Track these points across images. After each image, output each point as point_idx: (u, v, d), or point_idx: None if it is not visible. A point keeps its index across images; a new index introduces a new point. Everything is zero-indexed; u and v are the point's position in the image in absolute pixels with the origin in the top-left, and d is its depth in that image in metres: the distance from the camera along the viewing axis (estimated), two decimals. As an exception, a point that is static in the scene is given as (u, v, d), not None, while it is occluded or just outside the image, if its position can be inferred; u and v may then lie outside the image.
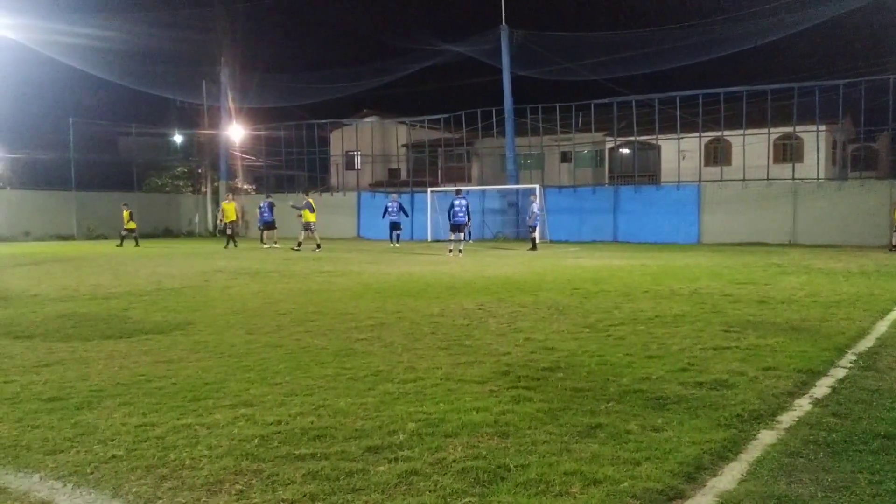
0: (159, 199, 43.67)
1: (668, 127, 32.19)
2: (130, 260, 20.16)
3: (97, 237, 37.77)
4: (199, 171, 47.69)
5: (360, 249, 26.55)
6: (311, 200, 26.35)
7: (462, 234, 22.87)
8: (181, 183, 47.93)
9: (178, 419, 4.31)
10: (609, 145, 42.20)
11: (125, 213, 29.82)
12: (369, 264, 18.04)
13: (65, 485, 3.34)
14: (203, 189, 46.32)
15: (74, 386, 5.16)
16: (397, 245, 27.99)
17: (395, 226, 28.66)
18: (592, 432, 4.03)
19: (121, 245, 28.69)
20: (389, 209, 28.78)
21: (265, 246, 28.24)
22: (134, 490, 3.26)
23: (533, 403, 4.63)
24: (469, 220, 24.04)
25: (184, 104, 46.09)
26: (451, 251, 22.09)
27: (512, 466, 3.50)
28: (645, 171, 38.92)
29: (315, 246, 25.45)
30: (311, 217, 25.77)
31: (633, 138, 34.53)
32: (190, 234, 43.07)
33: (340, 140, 46.53)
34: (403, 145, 45.17)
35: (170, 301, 10.26)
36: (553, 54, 33.32)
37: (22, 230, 35.58)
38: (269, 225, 29.85)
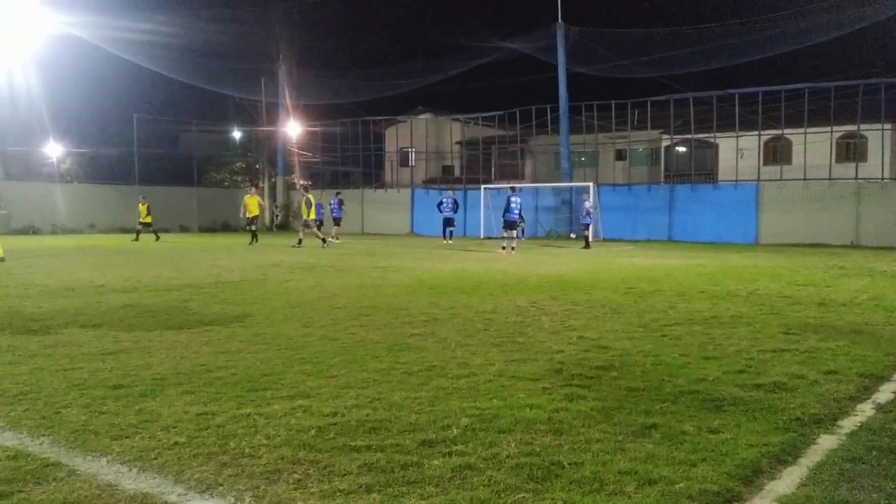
0: (218, 193, 44.48)
1: (726, 125, 31.59)
2: (189, 253, 20.61)
3: (159, 230, 38.66)
4: (257, 166, 48.46)
5: (413, 245, 26.68)
6: (310, 197, 26.50)
7: (515, 232, 22.81)
8: (240, 178, 48.78)
9: (237, 408, 4.40)
10: (665, 143, 41.61)
11: (142, 207, 29.91)
12: (423, 260, 18.13)
13: (130, 469, 3.43)
14: (261, 185, 47.04)
15: (138, 374, 5.30)
16: (450, 242, 28.06)
17: (448, 222, 28.73)
18: (647, 432, 3.99)
19: (136, 239, 28.71)
20: (444, 203, 28.86)
21: (335, 241, 28.48)
22: (196, 476, 3.34)
23: (587, 402, 4.60)
24: (522, 218, 23.94)
25: (243, 101, 46.84)
26: (503, 248, 22.06)
27: (566, 464, 3.49)
28: (702, 169, 38.26)
29: (322, 241, 25.39)
30: (309, 214, 26.08)
31: (689, 136, 33.97)
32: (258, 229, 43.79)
33: (395, 137, 46.85)
34: (457, 142, 45.19)
35: (228, 294, 10.47)
36: (609, 51, 33.01)
37: (87, 223, 36.63)
38: (336, 221, 30.26)
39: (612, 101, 33.35)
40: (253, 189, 28.31)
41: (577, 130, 35.49)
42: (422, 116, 46.98)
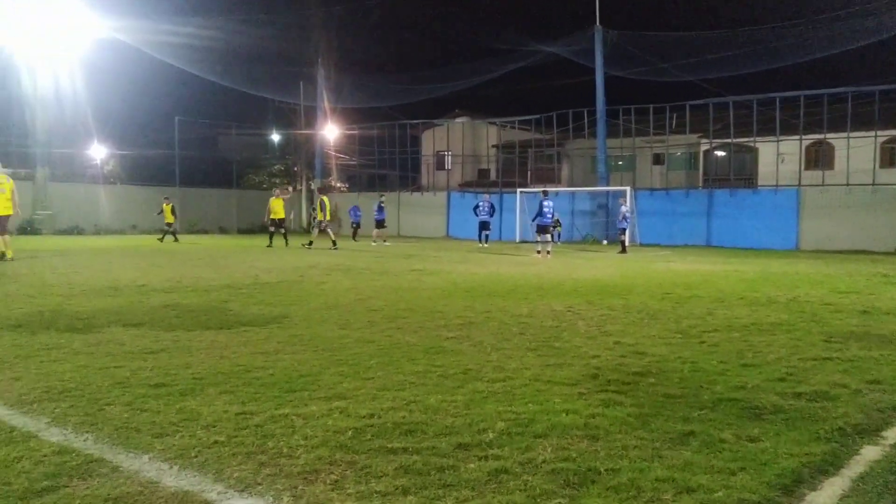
0: (257, 195, 44.96)
1: (766, 129, 31.17)
2: (228, 254, 20.87)
3: (198, 231, 39.23)
4: (295, 169, 48.92)
5: (449, 248, 26.72)
6: (324, 199, 26.60)
7: (549, 236, 22.74)
8: (278, 180, 49.26)
9: (275, 409, 4.44)
10: (704, 147, 41.15)
11: (166, 207, 30.14)
12: (458, 263, 18.14)
13: (171, 466, 3.49)
14: (298, 187, 47.45)
15: (179, 373, 5.38)
16: (486, 245, 28.05)
17: (484, 225, 28.75)
18: (685, 439, 3.95)
19: (162, 240, 28.95)
20: (481, 207, 28.88)
21: (374, 244, 28.66)
22: (235, 475, 3.38)
23: (623, 408, 4.57)
24: (558, 222, 23.80)
25: (282, 104, 47.34)
26: (538, 252, 21.99)
27: (602, 470, 3.46)
28: (741, 174, 37.76)
29: (332, 243, 25.44)
30: (321, 215, 26.20)
31: (729, 140, 33.56)
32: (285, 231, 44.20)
33: (432, 140, 47.00)
34: (493, 146, 45.18)
35: (266, 295, 10.58)
36: (647, 54, 32.74)
37: (129, 223, 37.26)
38: (379, 223, 30.39)
39: (650, 105, 33.12)
40: (278, 191, 28.04)
41: (614, 134, 35.27)
42: (458, 120, 47.04)
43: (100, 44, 34.25)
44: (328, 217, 26.24)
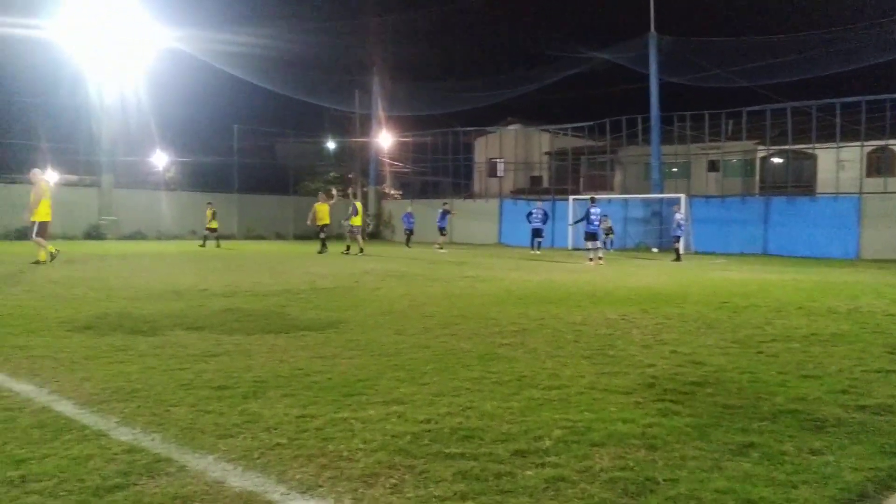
0: (312, 202, 45.53)
1: (825, 135, 30.43)
2: (285, 260, 21.19)
3: (256, 237, 39.90)
4: (350, 176, 49.40)
5: (501, 256, 26.68)
6: (357, 204, 26.57)
7: (598, 242, 22.60)
8: (333, 187, 49.81)
9: (334, 412, 4.50)
10: (761, 154, 40.33)
11: (208, 213, 30.35)
12: (511, 270, 18.12)
13: (235, 467, 3.56)
14: (335, 192, 47.94)
15: (240, 376, 5.49)
16: (538, 252, 27.95)
17: (537, 232, 28.67)
18: (745, 451, 3.88)
19: (203, 245, 29.02)
20: (535, 214, 28.82)
21: (437, 249, 28.78)
22: (297, 477, 3.44)
23: (681, 418, 4.51)
24: (611, 229, 23.52)
25: (337, 112, 47.90)
26: (591, 260, 21.83)
27: (661, 480, 3.43)
28: (799, 181, 36.92)
29: (359, 250, 25.47)
30: (356, 221, 26.02)
31: (786, 147, 32.85)
32: (341, 237, 44.66)
33: (484, 147, 47.02)
34: (546, 153, 45.00)
35: (322, 300, 10.71)
36: (703, 60, 32.30)
37: (189, 229, 38.04)
38: (441, 231, 30.46)
39: (706, 111, 32.62)
40: (323, 196, 27.96)
41: (668, 141, 34.84)
42: (511, 127, 47.02)
43: (162, 54, 35.18)
44: (358, 222, 26.19)
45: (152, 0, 33.15)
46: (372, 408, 4.63)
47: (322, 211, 26.55)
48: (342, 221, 28.56)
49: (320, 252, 25.30)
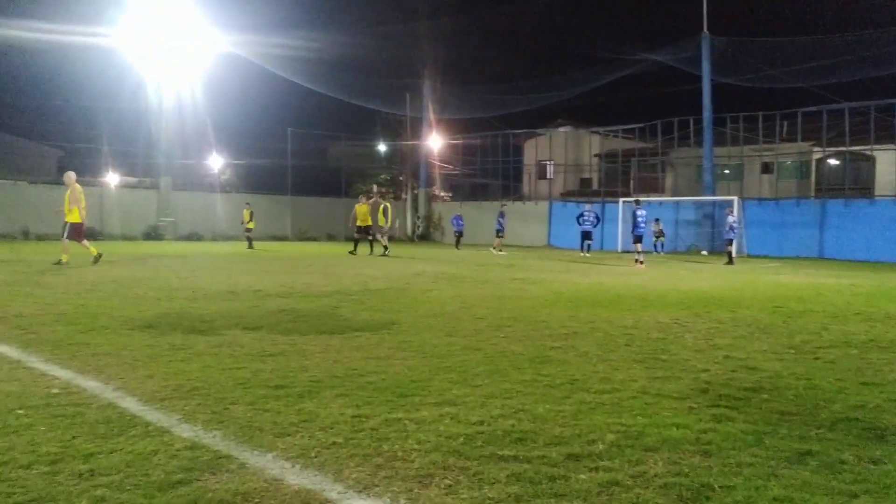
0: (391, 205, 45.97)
1: (885, 136, 29.59)
2: (337, 261, 21.41)
3: (308, 238, 40.40)
4: (401, 178, 49.69)
5: (550, 258, 26.56)
6: (387, 205, 26.41)
7: (640, 245, 22.44)
8: (384, 189, 50.13)
9: (388, 413, 4.55)
10: (816, 156, 39.39)
11: (245, 213, 30.33)
12: (560, 273, 18.03)
13: (293, 465, 3.62)
14: (404, 196, 48.18)
15: (296, 376, 5.58)
16: (587, 255, 27.75)
17: (587, 235, 28.49)
18: (802, 459, 3.81)
19: (251, 247, 28.87)
20: (585, 216, 28.63)
21: (495, 252, 28.71)
22: (353, 476, 3.48)
23: (736, 424, 4.45)
24: (662, 232, 23.18)
25: (388, 115, 48.23)
26: (641, 262, 21.64)
27: (716, 486, 3.39)
28: (856, 183, 35.95)
29: (383, 249, 25.35)
30: (383, 221, 25.92)
31: (844, 149, 32.02)
32: (391, 238, 44.91)
33: (534, 149, 46.84)
34: (596, 155, 44.63)
35: (375, 301, 10.81)
36: (757, 61, 31.69)
37: (244, 230, 38.70)
38: (498, 233, 30.36)
39: (760, 113, 32.00)
40: (363, 198, 27.58)
41: (721, 142, 34.25)
42: (561, 129, 46.76)
43: (219, 58, 35.88)
44: (389, 223, 26.16)
45: (209, 6, 33.85)
46: (425, 409, 4.67)
47: (362, 212, 26.36)
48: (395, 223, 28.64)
49: (351, 252, 25.24)
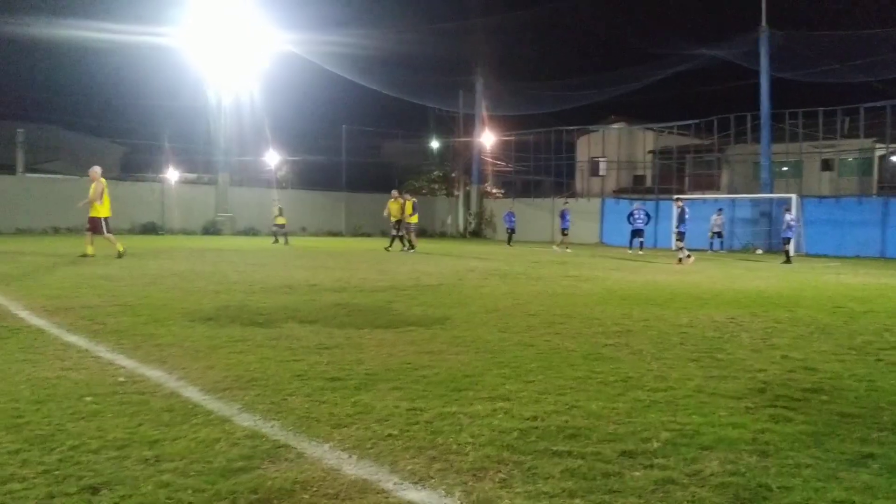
0: (417, 201, 46.03)
1: (952, 133, 28.55)
2: (391, 257, 21.57)
3: (362, 234, 40.77)
4: (453, 175, 49.74)
5: (602, 255, 26.33)
6: (414, 201, 25.97)
7: (683, 243, 22.19)
8: (436, 186, 50.30)
9: (442, 406, 4.58)
10: (879, 153, 38.21)
11: (275, 209, 29.94)
12: (613, 270, 17.87)
13: (350, 456, 3.68)
14: (456, 192, 48.24)
15: (352, 368, 5.65)
16: (640, 252, 27.43)
17: (638, 233, 28.19)
18: (863, 461, 3.72)
19: (286, 242, 28.38)
20: (635, 215, 28.34)
21: (557, 250, 28.43)
22: (409, 468, 3.53)
23: (794, 425, 4.36)
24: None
25: (441, 112, 48.34)
26: (689, 257, 21.33)
27: (774, 487, 3.33)
28: (922, 181, 34.78)
29: (410, 246, 25.08)
30: (413, 219, 25.49)
31: (908, 145, 31.00)
32: (443, 235, 45.06)
33: (587, 146, 46.39)
34: (650, 152, 44.05)
35: (428, 297, 10.86)
36: (817, 55, 30.85)
37: (300, 226, 39.22)
38: (564, 231, 29.96)
39: (820, 108, 31.18)
40: (395, 192, 26.77)
41: (779, 139, 33.47)
42: (614, 126, 46.27)
43: (275, 57, 36.42)
44: (414, 219, 25.60)
45: (266, 4, 34.36)
46: (479, 403, 4.69)
47: (395, 208, 25.96)
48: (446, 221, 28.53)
49: (404, 248, 25.05)
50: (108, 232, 17.25)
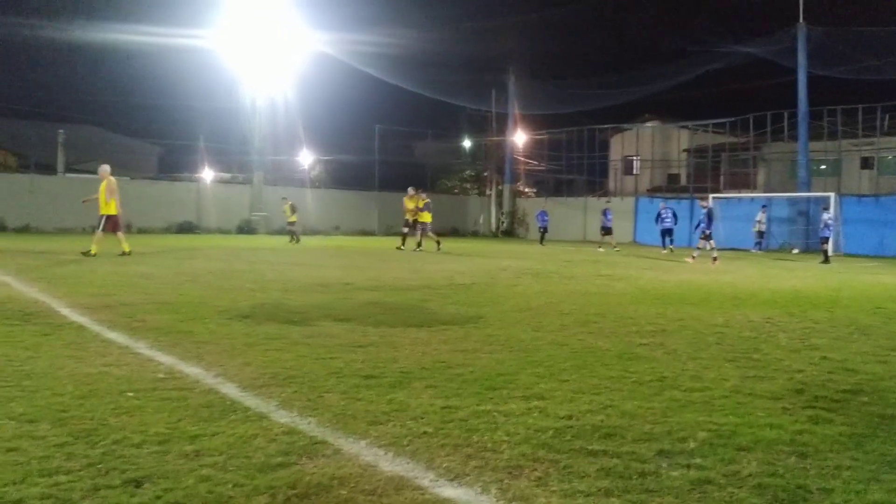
0: (448, 200, 46.09)
1: None
2: (423, 256, 21.63)
3: (395, 234, 40.87)
4: (485, 174, 49.71)
5: (636, 255, 26.14)
6: (429, 200, 25.44)
7: (707, 243, 21.97)
8: (468, 185, 50.31)
9: (477, 405, 4.59)
10: (921, 150, 37.44)
11: (286, 208, 29.53)
12: (646, 270, 17.74)
13: (386, 453, 3.71)
14: (488, 192, 48.20)
15: (386, 366, 5.69)
16: (663, 252, 27.20)
17: (667, 232, 28.02)
18: (905, 464, 3.67)
19: (297, 241, 28.00)
20: (663, 215, 28.17)
21: (600, 249, 28.13)
22: (444, 465, 3.54)
23: (833, 426, 4.30)
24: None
25: (473, 111, 48.29)
26: (715, 259, 21.10)
27: (813, 489, 3.30)
28: (965, 179, 33.98)
29: (416, 245, 24.69)
30: (427, 217, 25.00)
31: (951, 143, 30.32)
32: (475, 234, 45.07)
33: (620, 144, 46.09)
34: (684, 150, 43.59)
35: (461, 296, 10.88)
36: (856, 51, 30.30)
37: (333, 225, 39.53)
38: (607, 231, 29.52)
39: (859, 106, 30.61)
40: (411, 190, 26.05)
41: (817, 137, 32.94)
42: (648, 124, 45.88)
43: (309, 57, 36.69)
44: (427, 218, 24.94)
45: (299, 4, 34.62)
46: (513, 402, 4.69)
47: (409, 205, 25.49)
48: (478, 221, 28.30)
49: (416, 247, 24.55)
50: (103, 231, 17.09)
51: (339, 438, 3.91)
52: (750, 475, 3.46)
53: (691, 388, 5.18)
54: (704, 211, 22.59)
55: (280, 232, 36.96)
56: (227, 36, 34.25)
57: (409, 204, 25.48)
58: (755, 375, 5.68)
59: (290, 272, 14.27)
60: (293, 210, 29.69)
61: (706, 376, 5.61)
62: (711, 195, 31.24)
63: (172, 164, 53.09)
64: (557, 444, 3.84)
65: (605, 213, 29.96)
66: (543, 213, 35.20)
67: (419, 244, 24.80)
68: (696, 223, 23.82)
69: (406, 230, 25.42)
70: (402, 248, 24.74)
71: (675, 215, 28.70)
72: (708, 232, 22.12)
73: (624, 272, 16.56)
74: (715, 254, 21.55)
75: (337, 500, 3.13)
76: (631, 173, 47.73)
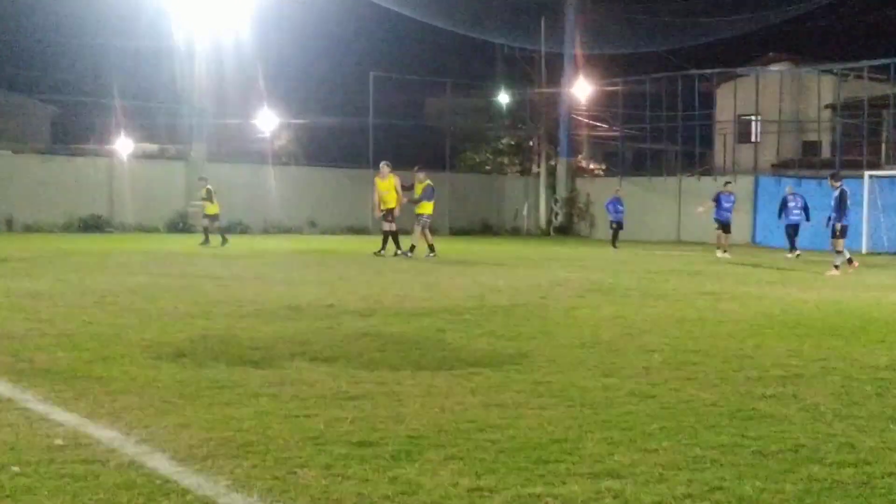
0: (476, 181, 45.85)
1: None
2: (442, 264, 21.65)
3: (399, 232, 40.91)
4: (531, 143, 49.48)
5: (756, 262, 26.07)
6: (430, 183, 25.64)
7: (841, 242, 21.73)
8: (506, 160, 50.00)
9: (521, 486, 4.59)
10: None
11: (203, 192, 29.45)
12: (771, 284, 17.70)
13: (389, 561, 3.74)
14: (535, 169, 47.93)
15: (387, 428, 5.71)
16: (797, 255, 27.08)
17: (794, 229, 27.90)
18: None
19: (224, 242, 28.64)
20: (790, 205, 28.03)
21: (721, 255, 27.53)
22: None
23: None
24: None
25: (512, 51, 47.88)
26: (836, 266, 20.82)
27: None
28: None
29: (410, 247, 24.96)
30: (427, 208, 25.30)
31: None
32: (516, 232, 44.83)
33: (731, 99, 45.85)
34: (827, 106, 43.36)
35: (497, 323, 10.91)
36: None
37: (307, 219, 39.57)
38: (725, 227, 29.19)
39: None
40: (385, 168, 26.15)
41: None
42: (773, 67, 45.64)
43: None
44: (428, 209, 25.38)
45: None
46: (575, 482, 4.69)
47: (384, 189, 25.68)
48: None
49: (396, 253, 24.88)
50: None
51: (320, 536, 3.95)
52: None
53: (841, 463, 5.16)
54: (835, 194, 22.15)
55: (231, 230, 37.02)
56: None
57: (382, 187, 25.50)
58: (936, 443, 5.66)
59: (247, 289, 14.36)
60: (210, 196, 29.35)
61: (862, 444, 5.59)
62: (868, 172, 31.07)
63: (72, 131, 53.40)
64: (642, 546, 3.85)
65: (719, 199, 29.42)
66: (617, 202, 35.01)
67: (412, 246, 25.02)
68: (827, 217, 23.30)
69: (386, 227, 25.53)
70: (383, 253, 24.91)
71: (806, 207, 28.45)
72: (840, 225, 21.74)
73: (737, 288, 16.51)
74: (847, 254, 21.31)
75: None
76: (748, 141, 47.49)
